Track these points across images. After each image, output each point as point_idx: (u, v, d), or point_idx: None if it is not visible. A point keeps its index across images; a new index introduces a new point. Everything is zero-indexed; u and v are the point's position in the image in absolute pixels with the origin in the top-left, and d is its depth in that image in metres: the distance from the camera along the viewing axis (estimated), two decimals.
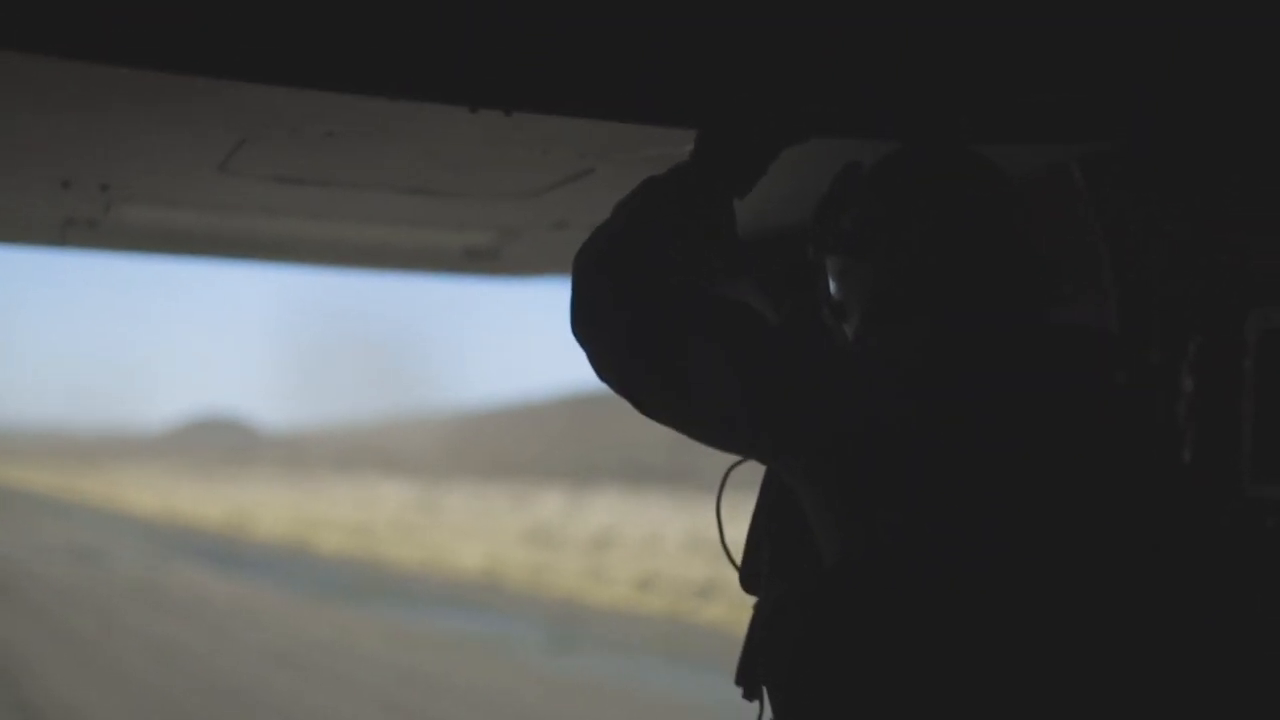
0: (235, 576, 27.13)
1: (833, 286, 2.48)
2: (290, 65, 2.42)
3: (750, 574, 2.62)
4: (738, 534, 2.62)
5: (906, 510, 2.20)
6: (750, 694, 2.35)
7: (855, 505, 2.23)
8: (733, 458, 2.50)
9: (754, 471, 2.58)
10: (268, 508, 45.98)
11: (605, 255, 2.38)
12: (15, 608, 21.68)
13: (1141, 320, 2.98)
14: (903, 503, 2.21)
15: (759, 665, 2.30)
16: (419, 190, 3.36)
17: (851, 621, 2.20)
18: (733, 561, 2.70)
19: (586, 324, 2.37)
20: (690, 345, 2.29)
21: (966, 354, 2.30)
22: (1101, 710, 2.20)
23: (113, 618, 21.80)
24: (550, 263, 4.26)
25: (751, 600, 2.46)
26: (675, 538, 36.04)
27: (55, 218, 3.86)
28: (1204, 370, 2.87)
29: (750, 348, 2.29)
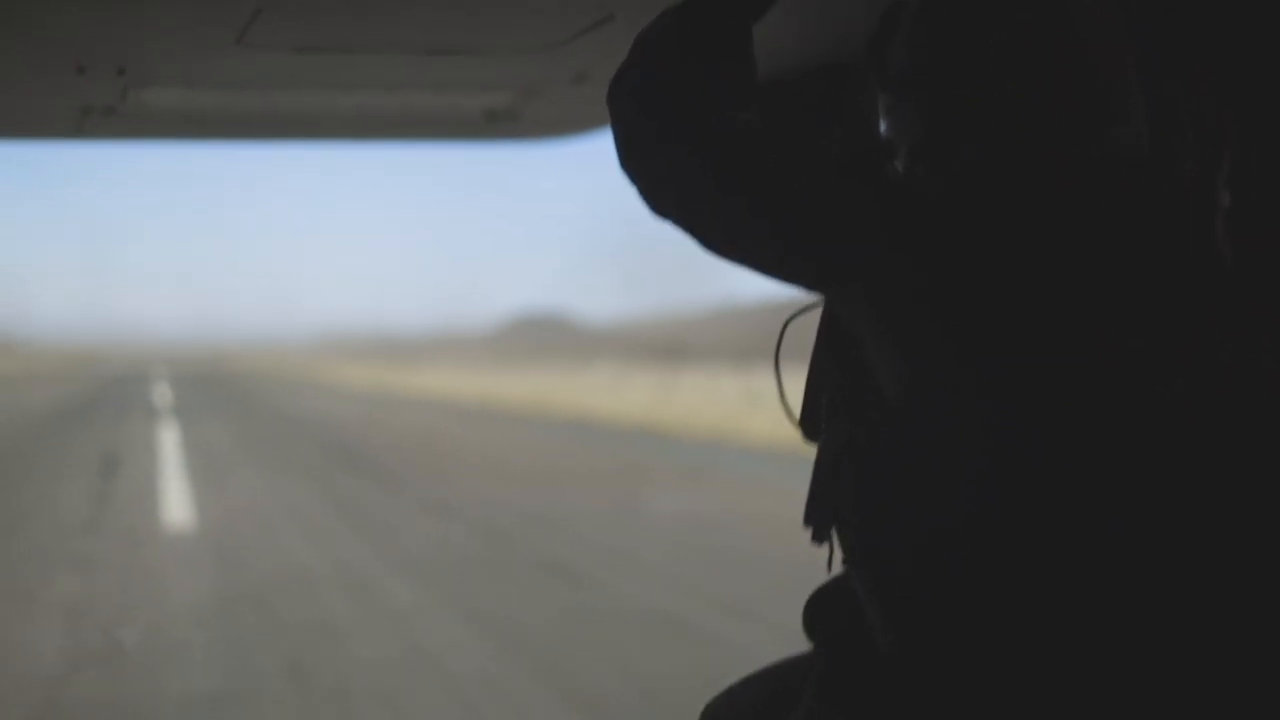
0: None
1: (881, 124, 2.46)
2: None
3: (811, 420, 2.62)
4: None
5: (965, 339, 2.20)
6: (819, 536, 2.36)
7: (914, 336, 2.23)
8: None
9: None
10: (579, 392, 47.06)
11: (640, 89, 2.37)
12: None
13: (1174, 134, 2.93)
14: (961, 332, 2.20)
15: (827, 507, 2.30)
16: (438, 50, 3.34)
17: (915, 457, 2.20)
18: (790, 415, 2.69)
19: (634, 160, 2.36)
20: (751, 170, 2.28)
21: (1020, 180, 2.28)
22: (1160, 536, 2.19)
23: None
24: (571, 121, 4.22)
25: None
26: None
27: (72, 106, 3.84)
28: (1241, 182, 2.83)
29: (809, 170, 2.28)
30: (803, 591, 2.46)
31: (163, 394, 56.50)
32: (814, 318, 2.68)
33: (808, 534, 2.37)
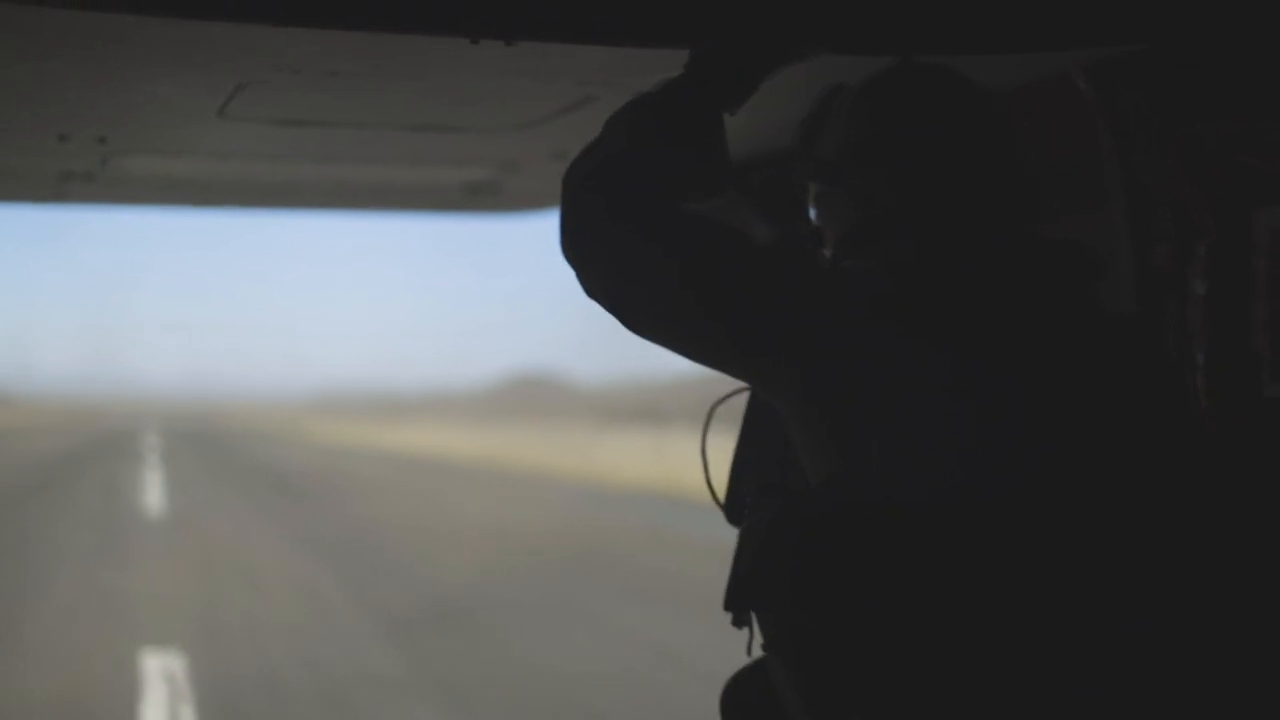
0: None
1: (812, 212, 2.46)
2: (288, 4, 2.39)
3: (734, 505, 2.61)
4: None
5: (890, 429, 2.18)
6: (739, 621, 2.34)
7: (839, 425, 2.21)
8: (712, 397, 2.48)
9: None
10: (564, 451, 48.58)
11: (593, 174, 2.37)
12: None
13: (1150, 225, 2.94)
14: (886, 422, 2.19)
15: (749, 591, 2.28)
16: (420, 127, 3.34)
17: (839, 543, 2.18)
18: (716, 498, 2.69)
19: (576, 243, 2.36)
20: (677, 265, 2.28)
21: (942, 273, 2.28)
22: (1099, 629, 2.18)
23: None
24: (551, 196, 4.22)
25: None
26: None
27: (52, 171, 3.84)
28: (1214, 272, 2.83)
29: (735, 268, 2.27)
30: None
31: (153, 444, 63.52)
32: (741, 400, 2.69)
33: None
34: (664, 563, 18.92)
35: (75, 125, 3.34)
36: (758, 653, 2.37)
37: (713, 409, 2.71)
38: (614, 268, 2.33)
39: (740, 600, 2.29)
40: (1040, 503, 2.18)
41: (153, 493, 31.54)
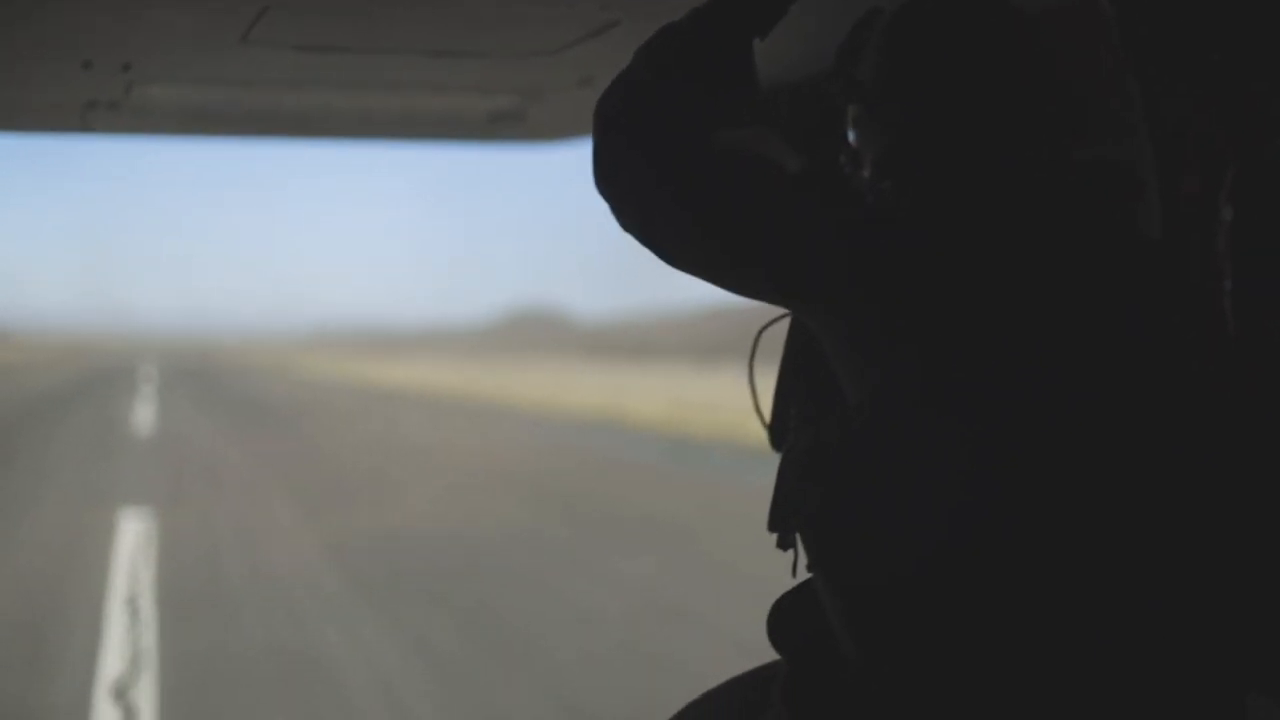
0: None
1: (850, 134, 2.46)
2: None
3: (779, 429, 2.62)
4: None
5: (927, 349, 2.20)
6: (784, 543, 2.35)
7: (878, 346, 2.23)
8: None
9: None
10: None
11: (625, 107, 2.37)
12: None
13: (1176, 151, 2.94)
14: (923, 342, 2.20)
15: (792, 513, 2.30)
16: (443, 52, 3.34)
17: (881, 465, 2.19)
18: (764, 421, 2.70)
19: (610, 177, 2.37)
20: (709, 202, 2.29)
21: (983, 194, 2.28)
22: (1126, 551, 2.19)
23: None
24: (576, 124, 4.22)
25: None
26: None
27: (77, 100, 3.84)
28: (1242, 197, 2.84)
29: (767, 205, 2.28)
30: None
31: (149, 376, 70.11)
32: (784, 326, 2.71)
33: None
34: (538, 466, 24.75)
35: (99, 52, 3.34)
36: (804, 575, 2.39)
37: (758, 336, 2.72)
38: (646, 203, 2.34)
39: (783, 521, 2.32)
40: (1080, 425, 2.19)
41: (145, 419, 37.00)
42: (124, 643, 10.33)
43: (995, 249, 2.25)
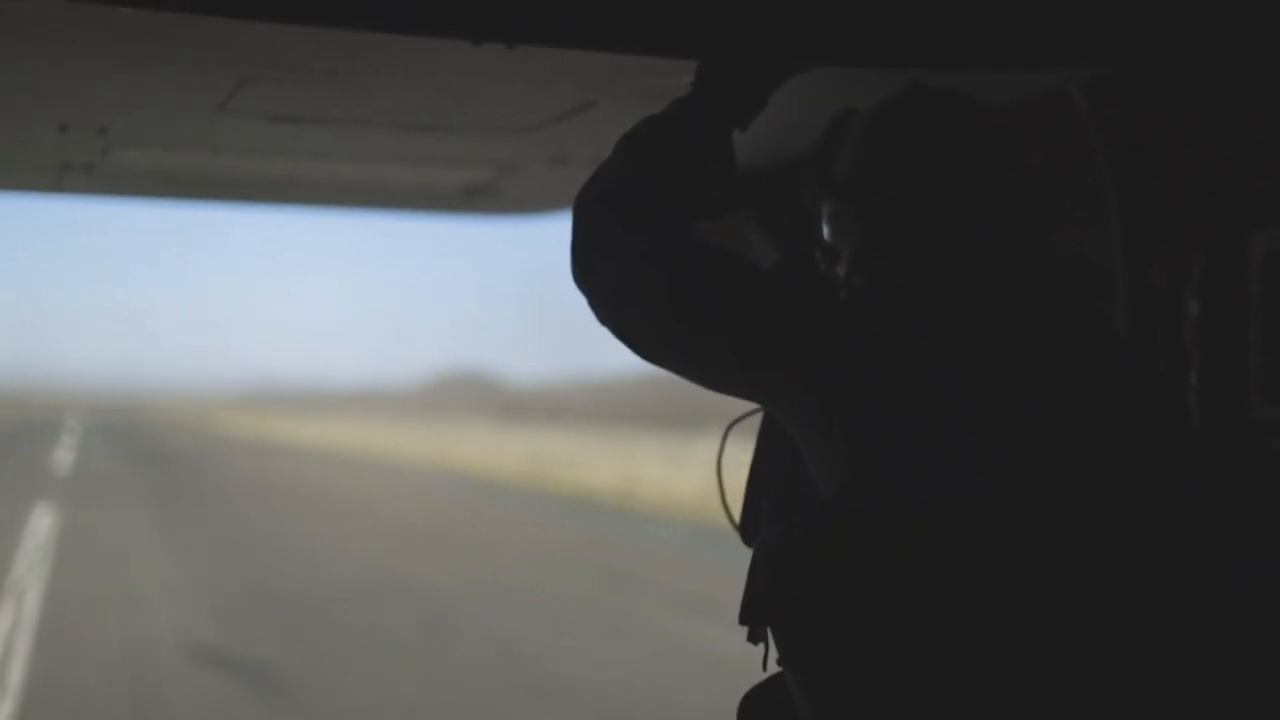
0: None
1: (825, 230, 2.49)
2: (291, 1, 2.41)
3: (750, 525, 2.64)
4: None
5: (897, 445, 2.21)
6: (755, 637, 2.35)
7: (849, 443, 2.23)
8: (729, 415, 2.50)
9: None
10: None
11: (605, 198, 2.38)
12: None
13: (1145, 243, 2.99)
14: (892, 439, 2.21)
15: (763, 608, 2.30)
16: (419, 127, 3.35)
17: (851, 556, 2.19)
18: (731, 519, 2.71)
19: (589, 268, 2.37)
20: (684, 292, 2.30)
21: (950, 289, 2.31)
22: (1103, 638, 2.21)
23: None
24: (549, 199, 4.24)
25: None
26: None
27: (52, 162, 3.83)
28: (1208, 292, 2.88)
29: (741, 295, 2.30)
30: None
31: (73, 428, 79.64)
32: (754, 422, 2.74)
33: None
34: (347, 493, 33.69)
35: (77, 115, 3.34)
36: (774, 668, 2.40)
37: (727, 431, 2.74)
38: (624, 294, 2.35)
39: (754, 616, 2.31)
40: (1047, 517, 2.20)
41: (62, 461, 45.80)
42: (34, 548, 20.90)
43: (969, 342, 2.27)
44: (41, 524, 24.35)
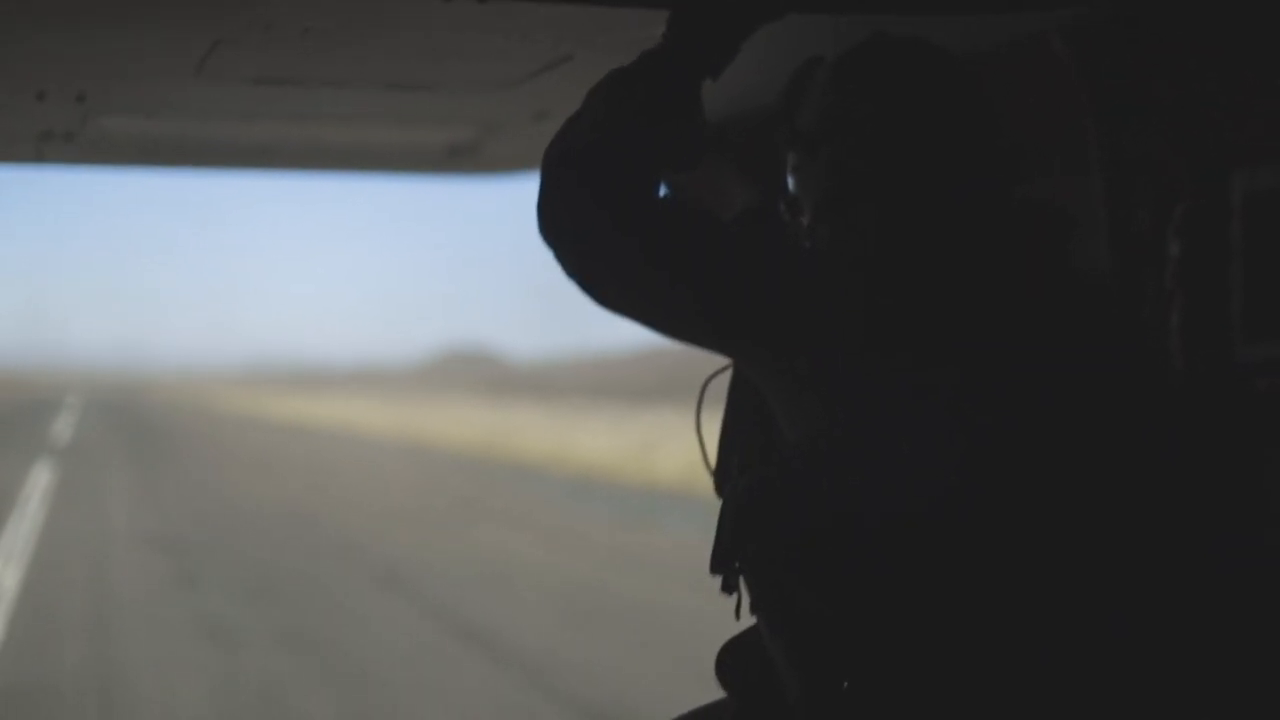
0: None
1: (789, 180, 2.49)
2: None
3: (723, 476, 2.65)
4: None
5: (862, 397, 2.22)
6: (728, 586, 2.36)
7: (813, 396, 2.25)
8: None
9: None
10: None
11: (572, 153, 2.38)
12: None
13: (1127, 188, 2.98)
14: (858, 390, 2.23)
15: (731, 555, 2.31)
16: (397, 85, 3.35)
17: (819, 507, 2.21)
18: (709, 469, 2.72)
19: (554, 220, 2.37)
20: (652, 249, 2.31)
21: (914, 236, 2.32)
22: (1074, 588, 2.22)
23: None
24: (531, 157, 4.20)
25: None
26: None
27: (31, 131, 3.83)
28: (1190, 233, 2.88)
29: (708, 253, 2.30)
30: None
31: (73, 406, 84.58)
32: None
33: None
34: (317, 464, 37.05)
35: (54, 83, 3.33)
36: (748, 619, 2.41)
37: (703, 388, 2.75)
38: (589, 249, 2.35)
39: (723, 564, 2.33)
40: (1013, 465, 2.21)
41: (61, 432, 52.49)
42: (36, 489, 27.26)
43: (931, 291, 2.28)
44: (42, 477, 30.58)
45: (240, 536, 20.17)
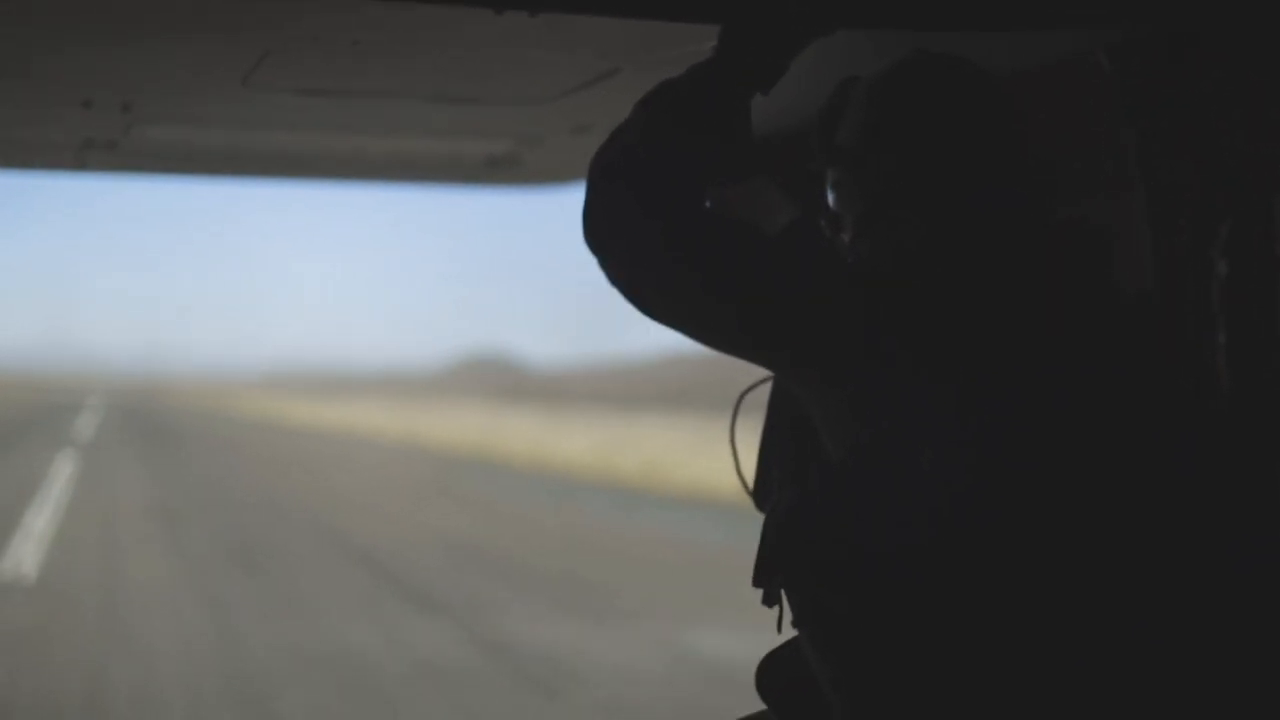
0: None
1: (830, 196, 2.50)
2: None
3: (763, 490, 2.65)
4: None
5: (903, 413, 2.22)
6: (769, 600, 2.37)
7: (855, 410, 2.25)
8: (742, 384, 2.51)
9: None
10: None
11: (621, 161, 2.39)
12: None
13: (1172, 205, 2.98)
14: (899, 407, 2.22)
15: (773, 569, 2.31)
16: (441, 97, 3.35)
17: (861, 522, 2.21)
18: (745, 485, 2.73)
19: (600, 230, 2.39)
20: (702, 249, 2.31)
21: (954, 252, 2.32)
22: (1109, 602, 2.21)
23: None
24: (572, 169, 4.24)
25: None
26: None
27: (74, 139, 3.84)
28: (1237, 252, 2.87)
29: (754, 257, 2.31)
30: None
31: (95, 407, 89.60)
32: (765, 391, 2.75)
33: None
34: (316, 463, 38.85)
35: (100, 92, 3.34)
36: (790, 631, 2.41)
37: (738, 402, 2.76)
38: (633, 259, 2.36)
39: (765, 578, 2.33)
40: (1054, 485, 2.21)
41: (84, 430, 56.30)
42: (59, 474, 31.71)
43: (971, 307, 2.28)
44: (65, 467, 34.20)
45: (221, 510, 24.52)
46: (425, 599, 14.79)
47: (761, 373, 2.74)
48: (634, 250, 2.36)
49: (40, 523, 21.75)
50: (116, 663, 11.58)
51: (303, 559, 18.19)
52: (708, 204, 2.41)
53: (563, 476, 33.18)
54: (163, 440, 50.21)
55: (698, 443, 34.98)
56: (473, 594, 15.12)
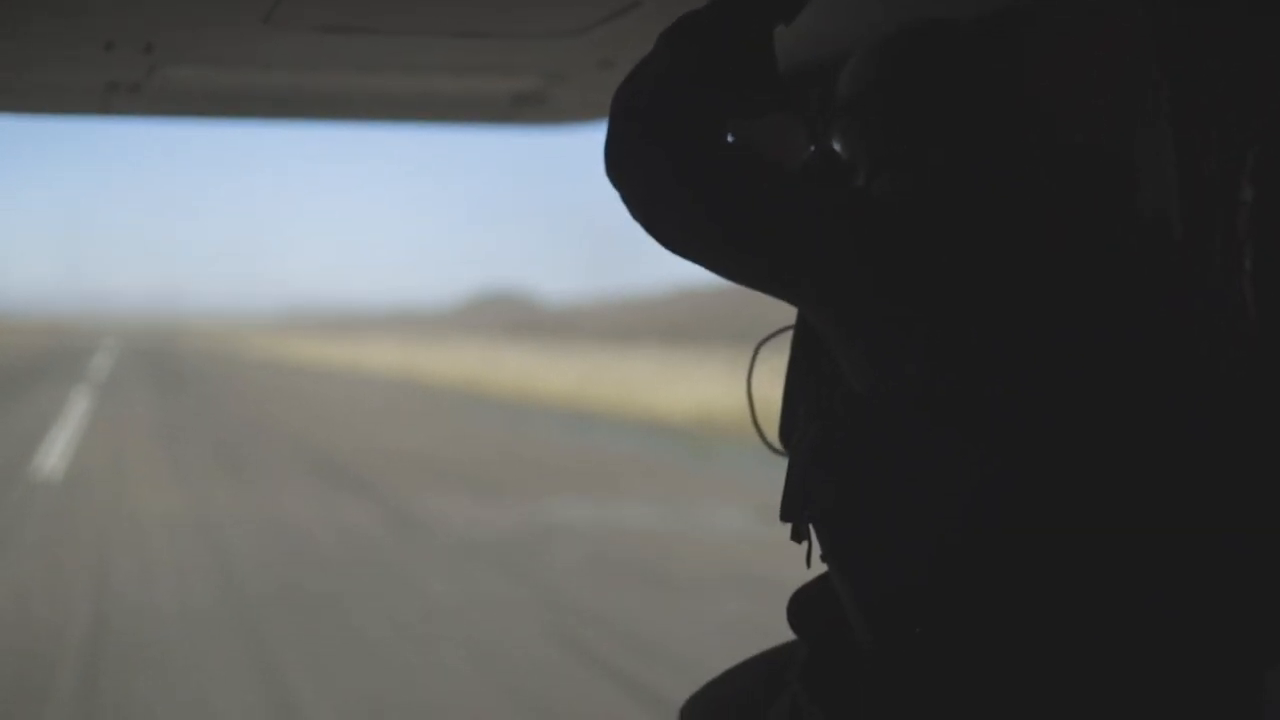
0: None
1: (845, 137, 2.50)
2: None
3: (788, 428, 2.66)
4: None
5: (930, 339, 2.23)
6: (798, 535, 2.39)
7: (882, 339, 2.26)
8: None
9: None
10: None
11: (643, 95, 2.39)
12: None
13: (1198, 132, 2.97)
14: (925, 332, 2.23)
15: (803, 506, 2.33)
16: (464, 33, 3.34)
17: (887, 457, 2.22)
18: (761, 435, 2.74)
19: (622, 164, 2.39)
20: (724, 183, 2.32)
21: (973, 186, 2.33)
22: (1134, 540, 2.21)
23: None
24: (597, 107, 4.23)
25: None
26: None
27: (98, 83, 3.84)
28: (1264, 178, 2.87)
29: (774, 191, 2.32)
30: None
31: (110, 348, 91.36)
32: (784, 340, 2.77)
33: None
34: (324, 401, 39.53)
35: (121, 34, 3.34)
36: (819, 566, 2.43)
37: (757, 349, 2.77)
38: (655, 194, 2.37)
39: (794, 513, 2.35)
40: (1075, 413, 2.21)
41: (105, 368, 58.20)
42: (77, 406, 34.23)
43: (989, 238, 2.28)
44: (81, 401, 36.32)
45: (215, 429, 28.31)
46: (361, 486, 19.28)
47: (770, 309, 2.75)
48: (655, 185, 2.36)
49: (60, 442, 24.93)
50: (123, 520, 15.93)
51: (275, 461, 22.45)
52: (729, 139, 2.41)
53: (538, 405, 36.36)
54: (172, 378, 52.16)
55: (672, 375, 37.86)
56: (400, 485, 19.32)
